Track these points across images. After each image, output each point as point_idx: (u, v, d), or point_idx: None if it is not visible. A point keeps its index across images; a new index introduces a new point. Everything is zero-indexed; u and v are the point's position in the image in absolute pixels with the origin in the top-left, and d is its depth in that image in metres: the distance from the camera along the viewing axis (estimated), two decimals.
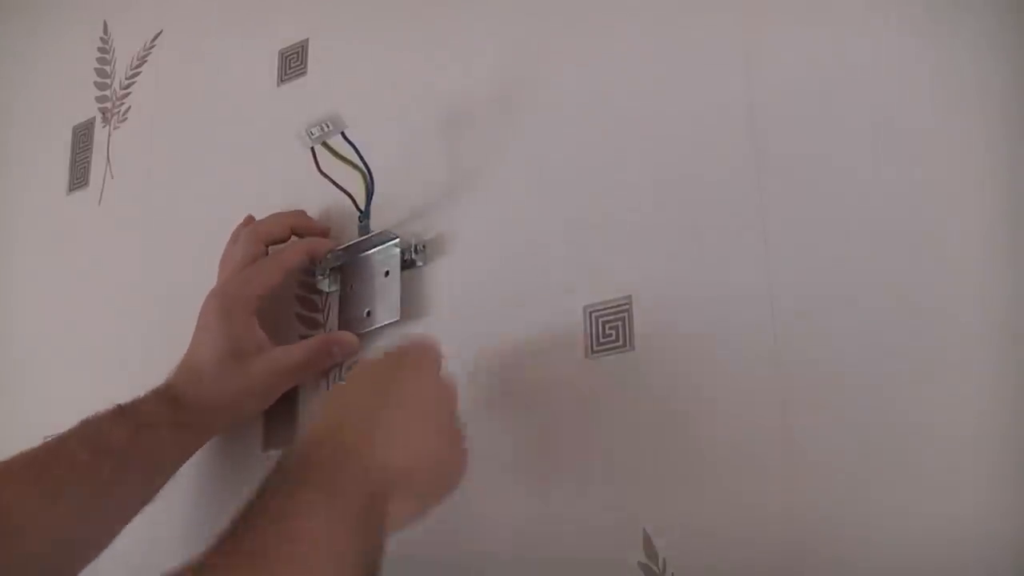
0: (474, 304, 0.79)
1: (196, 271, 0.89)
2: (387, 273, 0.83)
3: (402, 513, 0.63)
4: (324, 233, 0.87)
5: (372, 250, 0.84)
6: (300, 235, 0.88)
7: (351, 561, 0.57)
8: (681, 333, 0.71)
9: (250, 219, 0.90)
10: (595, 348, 0.73)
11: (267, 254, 0.86)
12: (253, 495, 0.58)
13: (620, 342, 0.72)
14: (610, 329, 0.73)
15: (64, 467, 0.75)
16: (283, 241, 0.88)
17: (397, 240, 0.83)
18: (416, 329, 0.80)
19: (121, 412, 0.79)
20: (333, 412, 0.66)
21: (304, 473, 0.60)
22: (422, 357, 0.70)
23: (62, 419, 0.77)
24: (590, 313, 0.74)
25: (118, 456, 0.77)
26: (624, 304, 0.73)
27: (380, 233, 0.83)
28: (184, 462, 0.83)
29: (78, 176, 1.09)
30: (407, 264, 0.82)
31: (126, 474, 0.78)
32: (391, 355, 0.71)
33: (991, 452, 0.60)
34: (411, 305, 0.82)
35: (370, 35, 0.92)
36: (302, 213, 0.89)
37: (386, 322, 0.82)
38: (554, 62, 0.81)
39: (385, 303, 0.83)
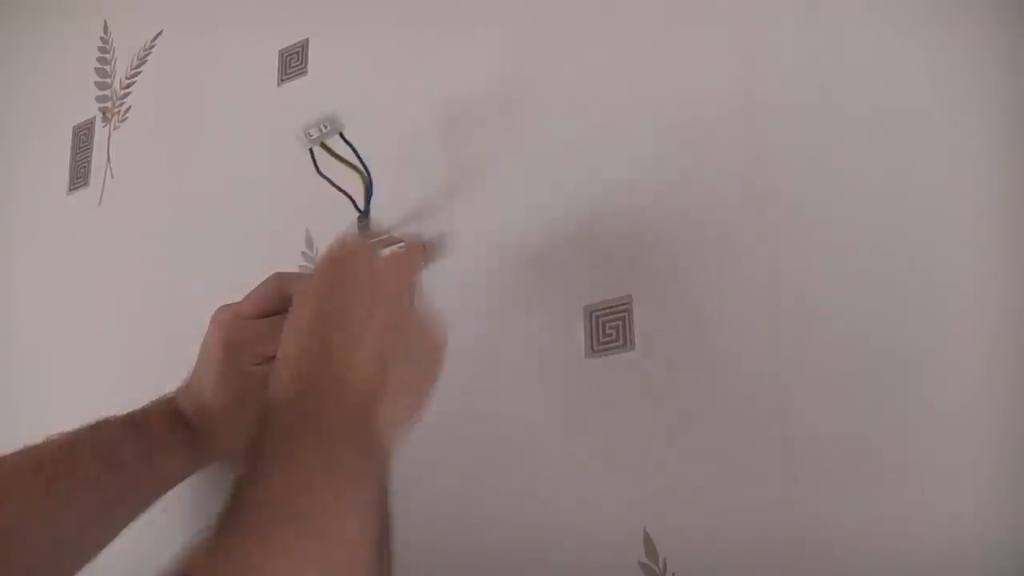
0: (474, 304, 0.79)
1: (196, 271, 0.89)
2: None
3: (396, 418, 0.62)
4: None
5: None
6: None
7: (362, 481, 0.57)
8: (681, 333, 0.71)
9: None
10: (595, 348, 0.73)
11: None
12: (245, 471, 0.56)
13: (620, 342, 0.72)
14: (610, 329, 0.73)
15: (75, 479, 0.74)
16: None
17: (403, 245, 0.82)
18: None
19: (135, 427, 0.77)
20: (288, 363, 0.63)
21: (286, 430, 0.58)
22: (341, 259, 0.66)
23: (62, 419, 0.77)
24: (590, 313, 0.74)
25: (130, 473, 0.76)
26: (624, 304, 0.73)
27: (388, 238, 0.82)
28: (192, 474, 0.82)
29: (78, 176, 1.09)
30: None
31: (137, 490, 0.77)
32: (313, 276, 0.67)
33: (991, 452, 0.60)
34: None
35: (370, 35, 0.92)
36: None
37: None
38: (554, 62, 0.81)
39: None
